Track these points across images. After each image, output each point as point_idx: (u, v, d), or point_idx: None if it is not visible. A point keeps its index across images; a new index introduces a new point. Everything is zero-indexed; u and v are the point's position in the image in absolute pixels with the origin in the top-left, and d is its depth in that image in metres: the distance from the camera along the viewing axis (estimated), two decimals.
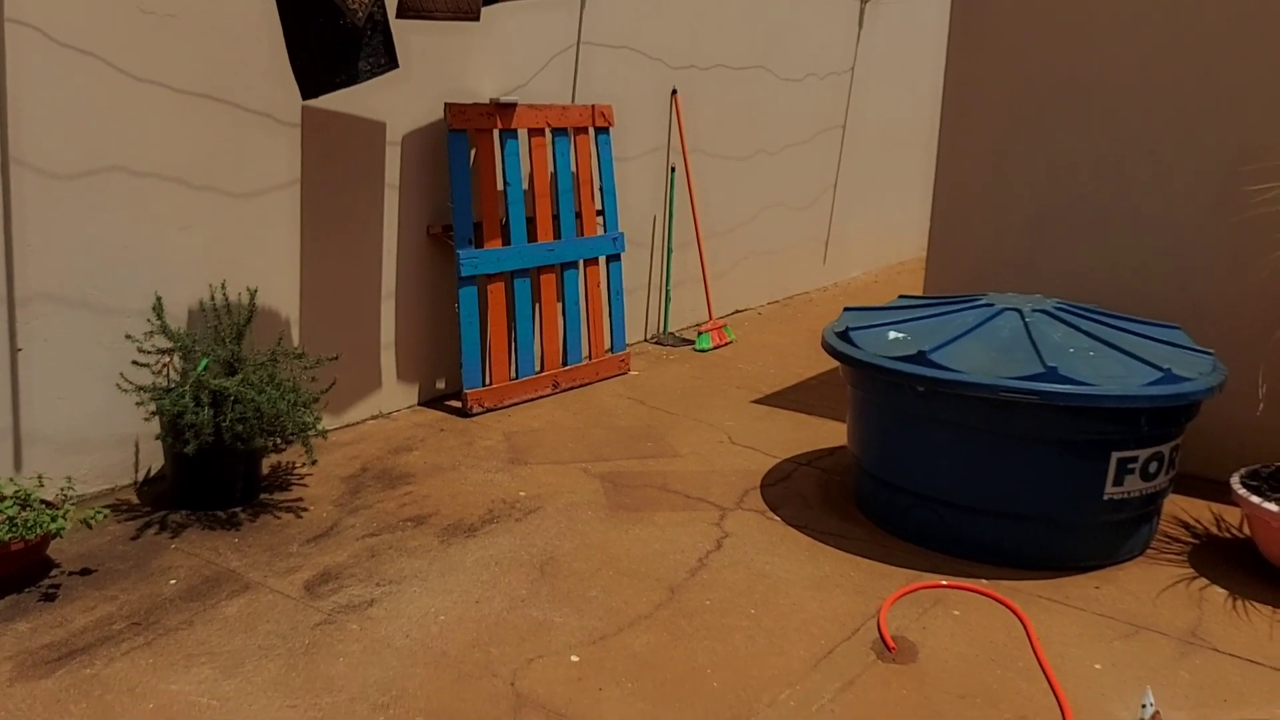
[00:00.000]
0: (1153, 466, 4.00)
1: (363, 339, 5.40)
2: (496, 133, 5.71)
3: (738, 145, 7.87)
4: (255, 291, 4.45)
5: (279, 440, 4.25)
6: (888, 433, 4.30)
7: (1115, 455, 3.91)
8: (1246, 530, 4.42)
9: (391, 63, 4.61)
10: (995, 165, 5.39)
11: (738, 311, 8.21)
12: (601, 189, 6.36)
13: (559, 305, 6.12)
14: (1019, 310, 4.28)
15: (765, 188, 8.28)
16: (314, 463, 4.30)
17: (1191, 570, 4.10)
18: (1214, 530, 4.48)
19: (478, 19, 4.89)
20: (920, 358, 3.98)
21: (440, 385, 5.90)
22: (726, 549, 4.14)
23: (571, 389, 6.15)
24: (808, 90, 8.56)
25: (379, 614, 3.56)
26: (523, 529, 4.25)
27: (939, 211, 5.63)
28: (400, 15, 4.58)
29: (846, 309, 4.82)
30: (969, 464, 4.04)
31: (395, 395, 5.63)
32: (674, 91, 7.10)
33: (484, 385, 5.74)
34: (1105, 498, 3.96)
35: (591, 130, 6.27)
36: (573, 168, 6.14)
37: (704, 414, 5.80)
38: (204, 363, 4.22)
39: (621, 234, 6.45)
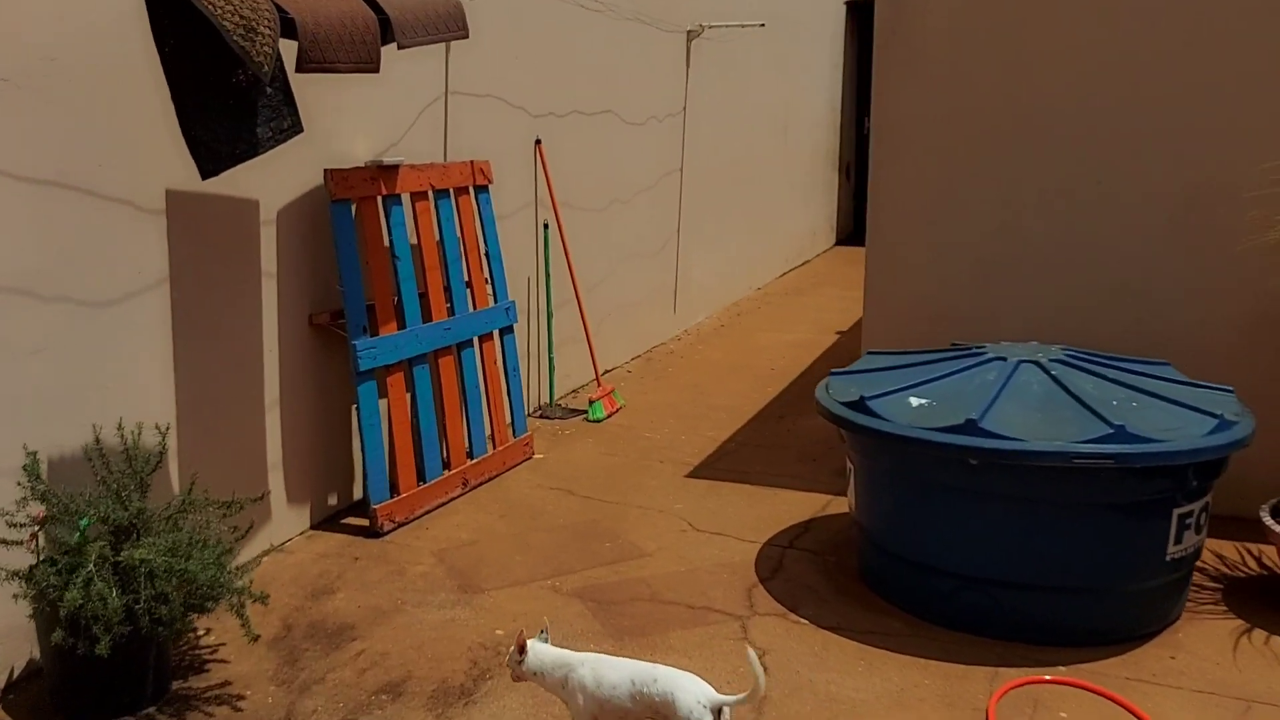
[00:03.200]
0: (1202, 518, 3.76)
1: (247, 461, 4.43)
2: (380, 200, 4.89)
3: (595, 195, 7.31)
4: (166, 429, 3.45)
5: (201, 613, 3.30)
6: (924, 511, 3.85)
7: (1176, 512, 3.64)
8: (1253, 566, 4.31)
9: (296, 125, 3.78)
10: (931, 210, 5.10)
11: (607, 371, 7.61)
12: (488, 254, 5.64)
13: (460, 391, 5.33)
14: (1036, 362, 3.96)
15: (622, 238, 7.76)
16: (256, 638, 3.37)
17: (1242, 621, 3.89)
18: (1224, 569, 4.32)
19: (378, 70, 4.10)
20: (970, 427, 3.56)
21: (333, 501, 4.97)
22: (774, 671, 3.55)
23: (482, 484, 5.37)
24: (650, 134, 8.13)
25: None
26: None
27: (873, 265, 5.27)
28: (300, 69, 3.73)
29: (833, 374, 4.36)
30: (1025, 538, 3.66)
31: (287, 522, 4.67)
32: (538, 141, 6.46)
33: (392, 496, 4.86)
34: (1168, 558, 3.67)
35: (472, 190, 5.54)
36: (458, 232, 5.39)
37: (643, 498, 5.17)
38: (85, 522, 3.21)
39: (513, 302, 5.75)
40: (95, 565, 3.00)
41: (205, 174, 3.57)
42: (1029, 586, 3.70)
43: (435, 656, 3.68)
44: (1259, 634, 3.78)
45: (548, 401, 6.69)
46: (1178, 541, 3.67)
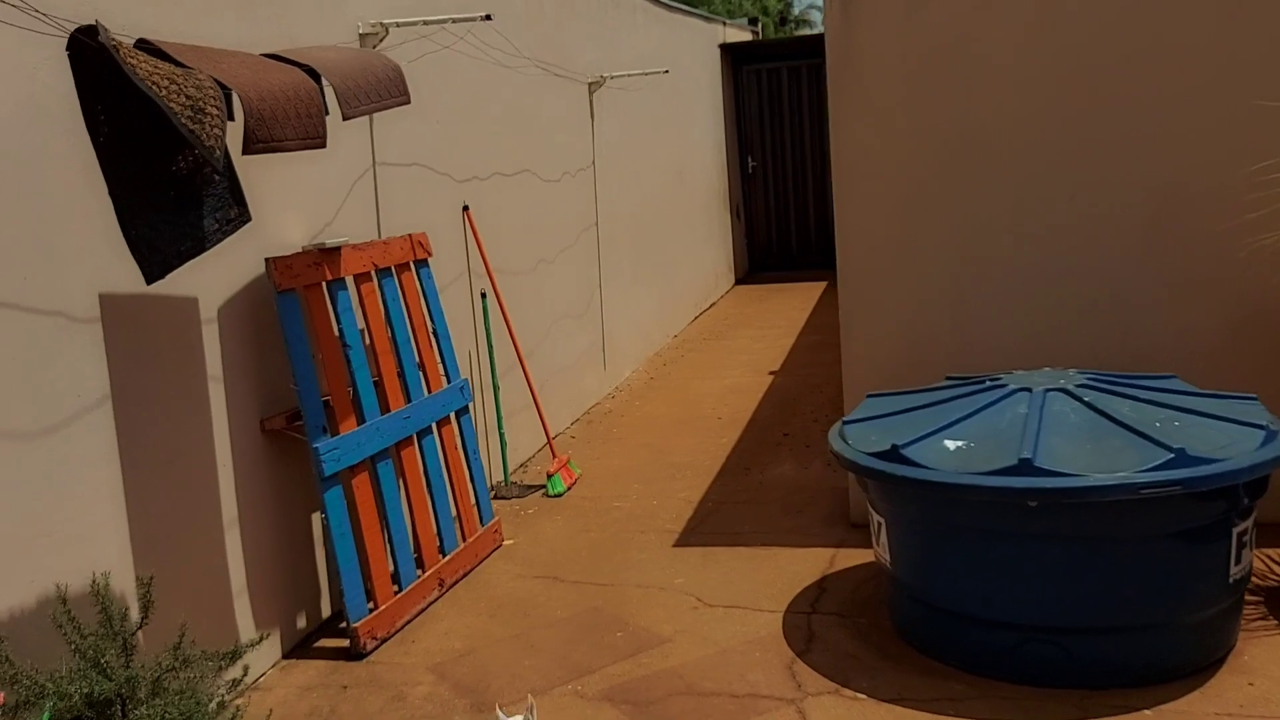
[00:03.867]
0: (1253, 534, 3.62)
1: (211, 591, 3.92)
2: (325, 285, 4.45)
3: (523, 257, 6.97)
4: (150, 581, 2.95)
5: None
6: (978, 561, 3.60)
7: (1235, 531, 3.48)
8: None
9: (244, 214, 3.36)
10: (901, 241, 4.92)
11: (553, 438, 7.23)
12: (435, 331, 5.23)
13: (426, 482, 4.89)
14: (1064, 390, 3.78)
15: (553, 299, 7.43)
16: None
17: None
18: (1255, 579, 4.19)
19: (325, 144, 3.71)
20: (1026, 466, 3.34)
21: (302, 624, 4.46)
22: None
23: (458, 581, 4.92)
24: (565, 190, 7.83)
25: None
26: None
27: (848, 303, 5.04)
28: (248, 150, 3.31)
29: (845, 422, 4.11)
30: (1089, 579, 3.44)
31: (258, 653, 4.13)
32: (465, 208, 6.10)
33: (370, 610, 4.38)
34: (1230, 579, 3.51)
35: (413, 265, 5.14)
36: (405, 312, 4.98)
37: (638, 576, 4.81)
38: (50, 706, 2.70)
39: (465, 380, 5.34)
40: None
41: (151, 278, 3.11)
42: (1097, 629, 3.49)
43: None
44: None
45: (502, 480, 6.27)
46: (1238, 561, 3.52)
